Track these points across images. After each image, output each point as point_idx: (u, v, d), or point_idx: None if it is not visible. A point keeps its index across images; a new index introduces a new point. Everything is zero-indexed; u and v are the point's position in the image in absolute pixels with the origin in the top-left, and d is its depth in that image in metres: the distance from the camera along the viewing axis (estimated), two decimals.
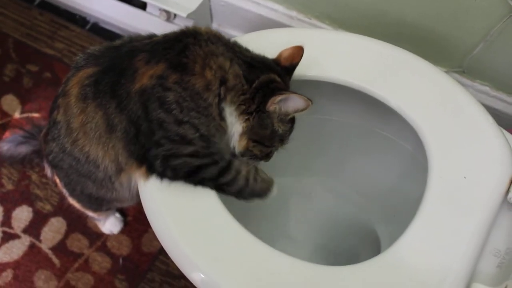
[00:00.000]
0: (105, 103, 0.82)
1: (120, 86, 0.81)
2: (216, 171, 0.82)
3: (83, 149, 0.86)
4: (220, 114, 0.83)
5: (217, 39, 0.85)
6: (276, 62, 0.90)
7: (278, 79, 0.86)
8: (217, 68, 0.81)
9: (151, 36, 0.88)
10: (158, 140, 0.81)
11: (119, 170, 0.87)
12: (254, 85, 0.84)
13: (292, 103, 0.84)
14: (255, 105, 0.84)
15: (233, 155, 0.89)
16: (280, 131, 0.88)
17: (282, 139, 0.90)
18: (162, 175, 0.84)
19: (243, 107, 0.84)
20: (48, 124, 0.94)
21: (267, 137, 0.88)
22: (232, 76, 0.82)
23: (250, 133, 0.86)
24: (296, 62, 0.90)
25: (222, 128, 0.85)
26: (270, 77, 0.85)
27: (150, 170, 0.84)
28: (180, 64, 0.80)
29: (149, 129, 0.81)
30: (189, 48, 0.81)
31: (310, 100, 0.82)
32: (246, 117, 0.85)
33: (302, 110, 0.84)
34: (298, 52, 0.90)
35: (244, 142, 0.87)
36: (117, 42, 0.89)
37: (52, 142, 0.92)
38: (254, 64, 0.85)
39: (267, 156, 0.92)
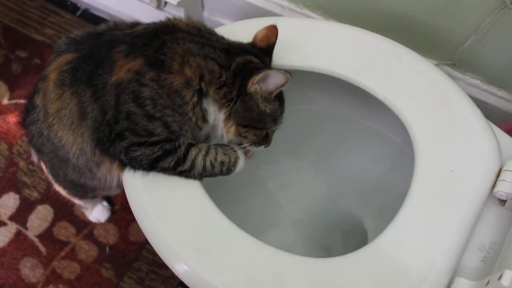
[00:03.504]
0: (81, 91, 0.81)
1: (97, 76, 0.81)
2: (173, 162, 0.82)
3: (57, 134, 0.86)
4: (202, 112, 0.83)
5: (197, 31, 0.85)
6: (252, 44, 0.89)
7: (256, 59, 0.86)
8: (196, 66, 0.81)
9: (133, 25, 0.87)
10: (121, 131, 0.81)
11: (98, 164, 0.87)
12: (232, 68, 0.83)
13: (271, 79, 0.82)
14: (236, 90, 0.83)
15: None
16: (268, 110, 0.87)
17: (275, 119, 0.89)
18: (131, 167, 0.84)
19: (224, 100, 0.84)
20: (29, 107, 0.94)
21: (256, 119, 0.86)
22: (207, 72, 0.81)
23: (235, 118, 0.85)
24: (272, 42, 0.90)
25: (198, 127, 0.85)
26: (246, 59, 0.84)
27: (122, 164, 0.85)
28: (157, 62, 0.79)
29: (114, 118, 0.80)
30: (166, 46, 0.80)
31: (289, 73, 0.81)
32: (227, 104, 0.84)
33: (283, 85, 0.83)
34: (272, 31, 0.90)
35: (232, 129, 0.86)
36: (101, 27, 0.88)
37: (31, 126, 0.92)
38: (231, 49, 0.85)
39: (265, 140, 0.91)
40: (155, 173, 0.83)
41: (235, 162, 0.88)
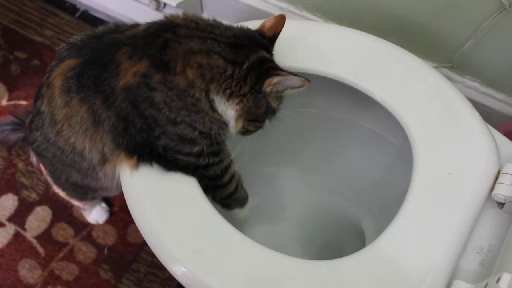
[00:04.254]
0: (89, 98, 0.81)
1: (104, 80, 0.80)
2: (219, 171, 0.84)
3: (68, 141, 0.85)
4: (212, 106, 0.83)
5: (195, 24, 0.83)
6: (260, 33, 0.88)
7: (267, 55, 0.85)
8: (197, 66, 0.80)
9: (134, 26, 0.86)
10: (159, 135, 0.82)
11: (104, 161, 0.86)
12: (244, 66, 0.82)
13: (289, 82, 0.83)
14: (247, 87, 0.83)
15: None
16: (276, 106, 0.88)
17: (274, 112, 0.90)
18: (160, 163, 0.84)
19: (229, 91, 0.82)
20: (32, 112, 0.94)
21: (262, 114, 0.88)
22: (209, 69, 0.80)
23: (246, 114, 0.86)
24: (278, 31, 0.90)
25: (218, 120, 0.84)
26: (259, 56, 0.84)
27: (140, 160, 0.84)
28: (162, 63, 0.79)
29: (147, 125, 0.81)
30: (169, 46, 0.80)
31: (308, 80, 0.82)
32: (238, 100, 0.84)
33: (298, 88, 0.84)
34: (280, 21, 0.89)
35: (240, 124, 0.87)
36: (99, 29, 0.88)
37: (36, 131, 0.92)
38: (238, 42, 0.83)
39: (261, 128, 0.92)
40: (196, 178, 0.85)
41: (247, 196, 0.93)
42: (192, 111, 0.81)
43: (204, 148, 0.83)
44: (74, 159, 0.88)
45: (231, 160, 0.88)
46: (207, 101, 0.81)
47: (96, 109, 0.81)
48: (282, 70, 0.84)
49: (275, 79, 0.81)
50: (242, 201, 0.91)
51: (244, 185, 0.94)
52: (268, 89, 0.83)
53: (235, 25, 0.88)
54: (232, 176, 0.88)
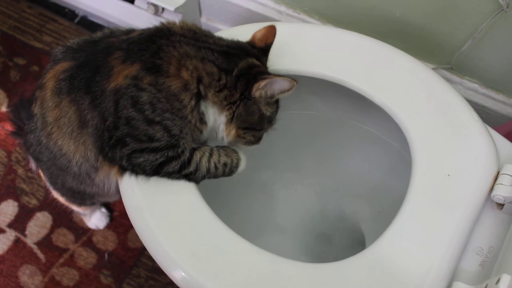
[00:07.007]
0: (79, 99, 0.81)
1: (95, 83, 0.81)
2: (178, 166, 0.82)
3: (56, 143, 0.85)
4: (199, 115, 0.83)
5: (193, 33, 0.84)
6: (251, 44, 0.89)
7: (258, 62, 0.86)
8: (193, 69, 0.80)
9: (129, 32, 0.87)
10: (122, 137, 0.81)
11: (96, 169, 0.87)
12: (234, 73, 0.83)
13: (277, 85, 0.83)
14: (238, 93, 0.84)
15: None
16: (268, 113, 0.88)
17: (271, 121, 0.90)
18: (133, 173, 0.84)
19: (225, 102, 0.83)
20: (24, 116, 0.95)
21: (256, 122, 0.87)
22: (206, 74, 0.81)
23: (237, 121, 0.86)
24: (270, 42, 0.90)
25: (198, 129, 0.84)
26: (249, 62, 0.84)
27: (122, 169, 0.84)
28: (154, 66, 0.79)
29: (114, 124, 0.80)
30: (162, 50, 0.80)
31: (295, 81, 0.82)
32: (228, 106, 0.84)
33: (287, 91, 0.84)
34: (271, 31, 0.90)
35: (233, 131, 0.87)
36: (97, 35, 0.88)
37: (30, 134, 0.93)
38: (230, 52, 0.84)
39: (259, 139, 0.92)
40: (159, 178, 0.84)
41: (237, 163, 0.89)
42: (177, 116, 0.81)
43: (163, 144, 0.81)
44: (63, 163, 0.88)
45: (193, 150, 0.85)
46: (192, 110, 0.81)
47: (83, 110, 0.81)
48: (269, 73, 0.84)
49: (262, 83, 0.82)
50: (223, 175, 0.88)
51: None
52: (257, 94, 0.83)
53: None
54: (198, 164, 0.84)
